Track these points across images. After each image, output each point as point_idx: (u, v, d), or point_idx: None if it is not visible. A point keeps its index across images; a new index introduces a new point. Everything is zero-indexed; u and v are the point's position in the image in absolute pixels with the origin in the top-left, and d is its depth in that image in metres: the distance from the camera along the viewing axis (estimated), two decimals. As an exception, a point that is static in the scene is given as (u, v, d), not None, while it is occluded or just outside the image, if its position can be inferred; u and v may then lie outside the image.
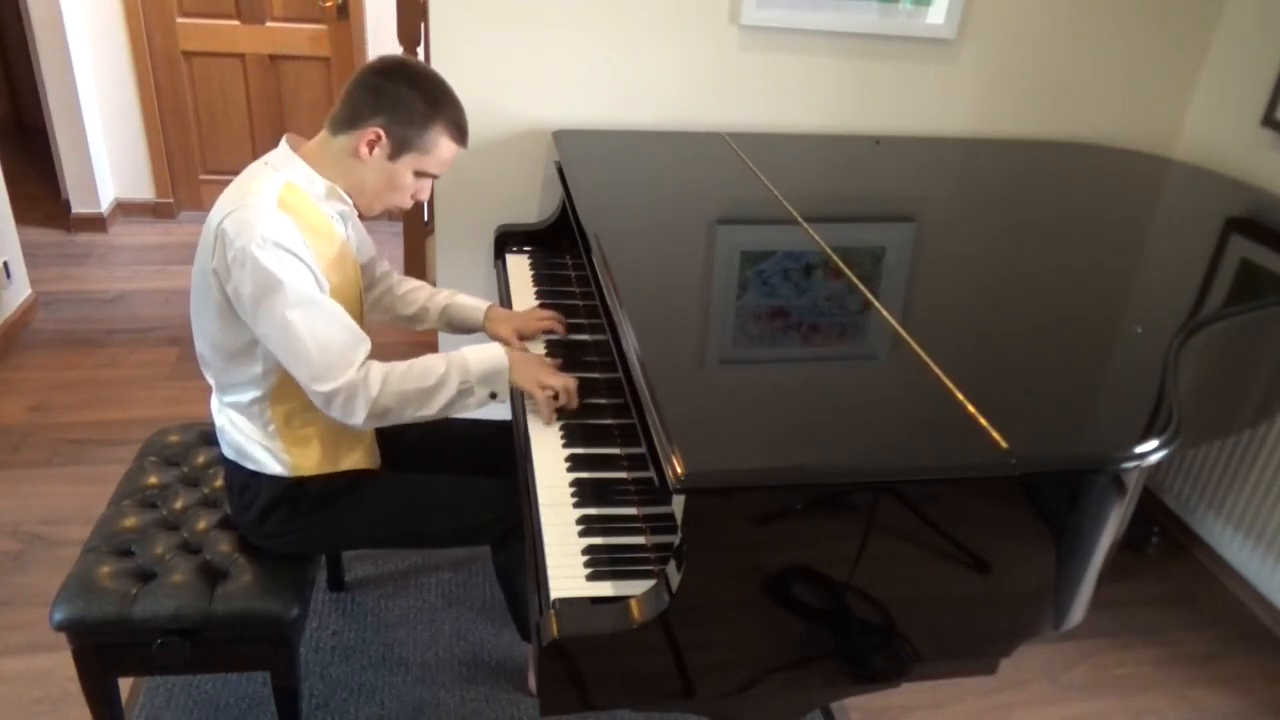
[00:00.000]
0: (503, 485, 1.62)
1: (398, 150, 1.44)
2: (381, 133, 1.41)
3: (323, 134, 1.47)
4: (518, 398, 1.59)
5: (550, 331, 1.77)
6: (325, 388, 1.38)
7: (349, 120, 1.43)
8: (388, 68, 1.44)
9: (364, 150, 1.43)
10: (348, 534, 1.62)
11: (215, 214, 1.39)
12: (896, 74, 2.38)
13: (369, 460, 1.63)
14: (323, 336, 1.37)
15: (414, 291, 1.82)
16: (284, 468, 1.51)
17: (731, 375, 1.28)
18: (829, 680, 1.21)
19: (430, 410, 1.46)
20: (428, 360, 1.47)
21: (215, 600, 1.48)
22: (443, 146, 1.47)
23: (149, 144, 4.02)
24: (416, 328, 1.85)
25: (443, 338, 2.51)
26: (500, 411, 1.74)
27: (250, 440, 1.51)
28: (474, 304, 1.81)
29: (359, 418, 1.41)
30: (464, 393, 1.48)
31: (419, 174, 1.49)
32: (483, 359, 1.50)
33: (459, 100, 1.48)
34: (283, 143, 1.47)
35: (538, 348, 1.74)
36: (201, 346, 1.50)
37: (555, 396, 1.51)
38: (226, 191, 1.43)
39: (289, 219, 1.37)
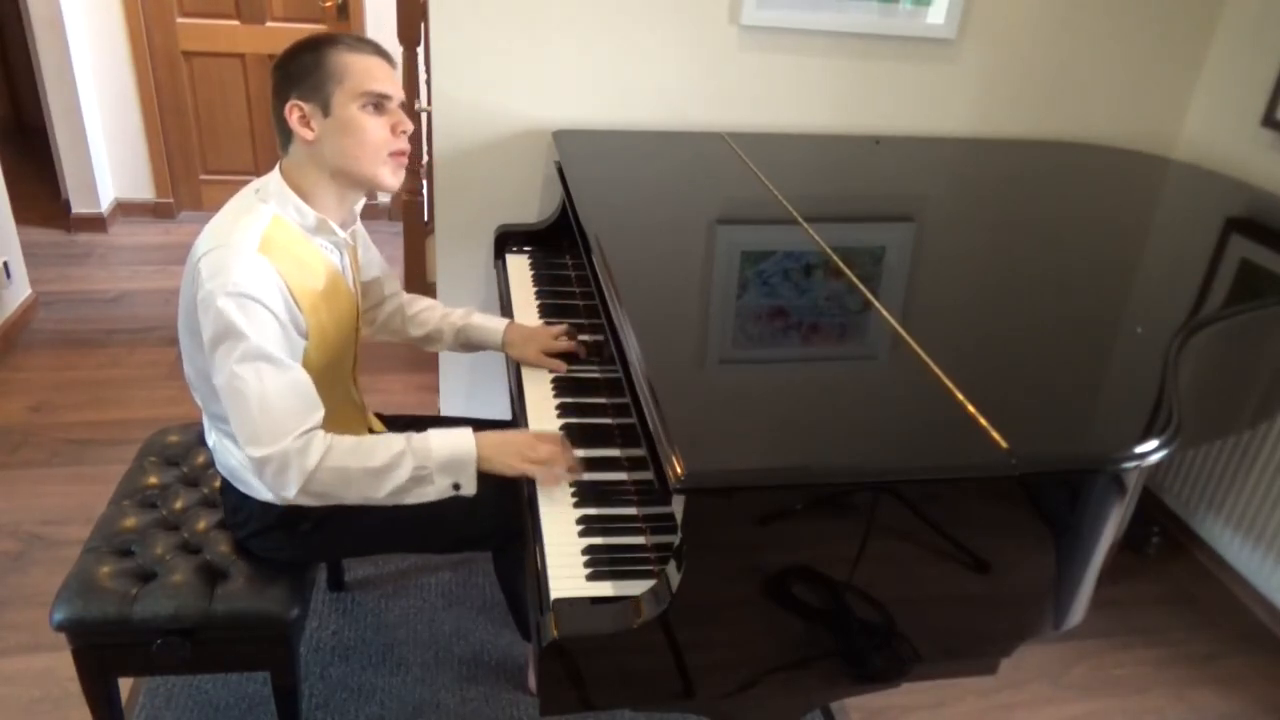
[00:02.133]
0: (502, 491, 1.61)
1: (322, 100, 1.36)
2: (297, 101, 1.36)
3: (283, 165, 1.43)
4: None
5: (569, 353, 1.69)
6: (257, 453, 1.28)
7: (281, 129, 1.40)
8: (272, 71, 1.41)
9: (304, 131, 1.37)
10: (346, 548, 1.60)
11: (200, 246, 1.35)
12: (896, 74, 2.37)
13: None
14: (268, 397, 1.28)
15: (426, 312, 1.77)
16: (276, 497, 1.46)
17: (731, 375, 1.28)
18: (829, 680, 1.21)
19: (378, 494, 1.33)
20: (383, 438, 1.35)
21: (215, 600, 1.48)
22: (351, 60, 1.37)
23: (149, 144, 4.02)
24: (429, 349, 1.80)
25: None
26: (499, 410, 1.73)
27: (243, 467, 1.48)
28: (492, 324, 1.74)
29: (290, 491, 1.30)
30: (419, 479, 1.34)
31: (364, 103, 1.38)
32: (446, 444, 1.35)
33: (340, 33, 1.44)
34: (275, 170, 1.43)
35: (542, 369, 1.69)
36: (190, 372, 1.46)
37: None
38: (215, 220, 1.39)
39: (268, 263, 1.31)
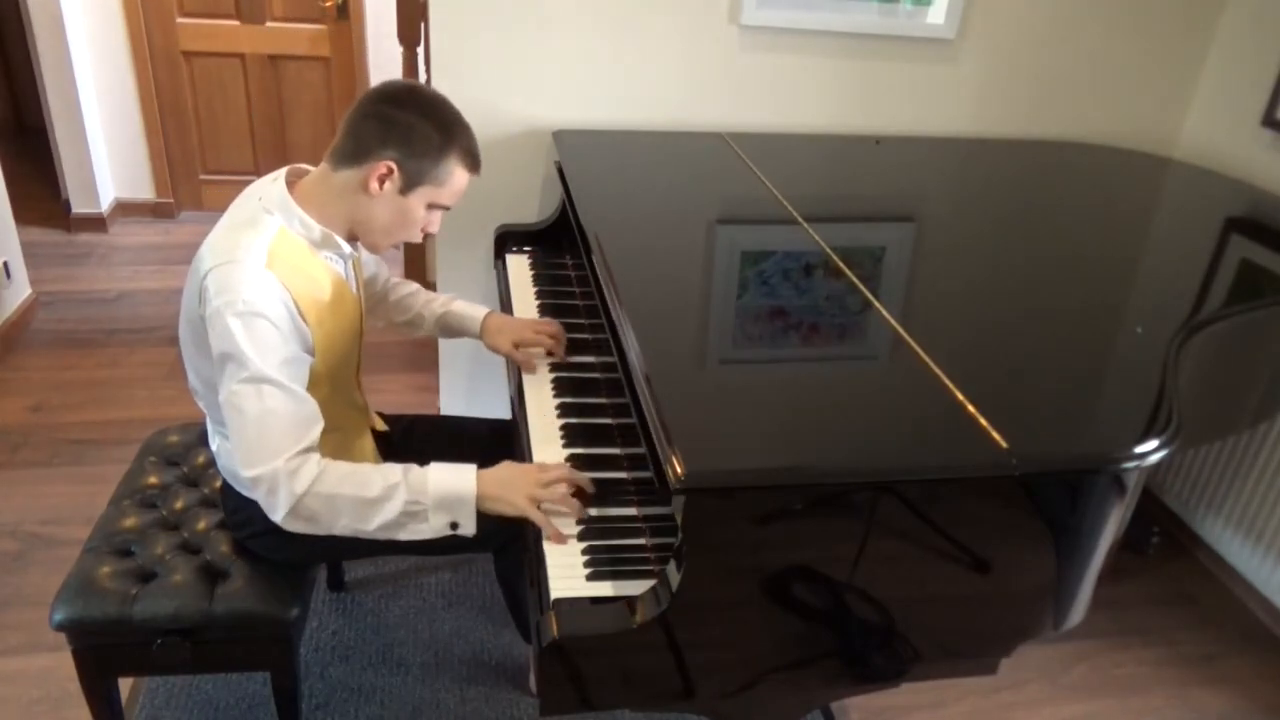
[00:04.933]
0: None
1: (410, 184, 1.35)
2: (394, 166, 1.32)
3: (324, 168, 1.38)
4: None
5: (549, 354, 1.68)
6: (249, 472, 1.27)
7: (355, 154, 1.34)
8: (395, 95, 1.35)
9: (374, 185, 1.33)
10: (345, 549, 1.58)
11: (204, 259, 1.32)
12: (896, 74, 2.37)
13: None
14: (266, 419, 1.26)
15: (409, 297, 1.77)
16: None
17: (731, 375, 1.28)
18: (829, 680, 1.22)
19: (368, 527, 1.28)
20: (381, 468, 1.31)
21: (215, 600, 1.48)
22: (457, 176, 1.39)
23: (149, 144, 4.02)
24: (412, 335, 1.80)
25: (443, 342, 2.51)
26: (499, 410, 1.73)
27: None
28: (470, 312, 1.74)
29: (279, 514, 1.27)
30: (412, 514, 1.29)
31: (431, 206, 1.41)
32: (443, 480, 1.30)
33: (470, 127, 1.40)
34: (280, 180, 1.39)
35: (542, 369, 1.67)
36: (193, 379, 1.46)
37: (573, 489, 1.32)
38: (218, 231, 1.36)
39: (275, 278, 1.30)
